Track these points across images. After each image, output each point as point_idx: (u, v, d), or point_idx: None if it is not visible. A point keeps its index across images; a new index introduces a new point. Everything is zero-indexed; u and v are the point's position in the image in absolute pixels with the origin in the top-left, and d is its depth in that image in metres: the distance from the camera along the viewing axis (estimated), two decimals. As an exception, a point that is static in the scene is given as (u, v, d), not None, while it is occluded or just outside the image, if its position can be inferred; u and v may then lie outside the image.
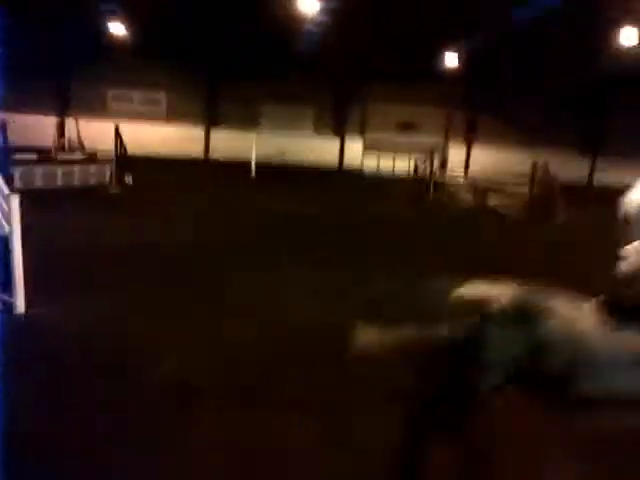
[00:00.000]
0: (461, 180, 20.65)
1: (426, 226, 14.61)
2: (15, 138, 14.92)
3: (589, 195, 25.91)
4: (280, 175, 23.60)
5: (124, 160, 16.30)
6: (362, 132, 31.20)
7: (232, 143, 28.16)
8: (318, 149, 30.25)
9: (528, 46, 23.64)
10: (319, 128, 31.22)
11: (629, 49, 22.73)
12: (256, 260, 9.24)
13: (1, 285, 5.70)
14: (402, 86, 29.61)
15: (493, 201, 17.29)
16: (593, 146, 31.62)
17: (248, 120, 29.36)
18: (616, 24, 18.07)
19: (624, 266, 3.36)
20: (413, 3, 19.70)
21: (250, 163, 23.46)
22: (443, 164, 20.44)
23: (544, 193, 16.00)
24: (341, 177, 27.46)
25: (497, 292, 3.11)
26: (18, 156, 13.59)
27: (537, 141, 30.32)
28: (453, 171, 25.03)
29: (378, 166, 29.98)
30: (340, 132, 30.98)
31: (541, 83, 29.02)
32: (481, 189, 18.04)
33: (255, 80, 28.58)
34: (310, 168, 27.63)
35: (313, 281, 8.05)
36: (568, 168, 28.60)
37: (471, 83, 30.12)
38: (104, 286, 7.10)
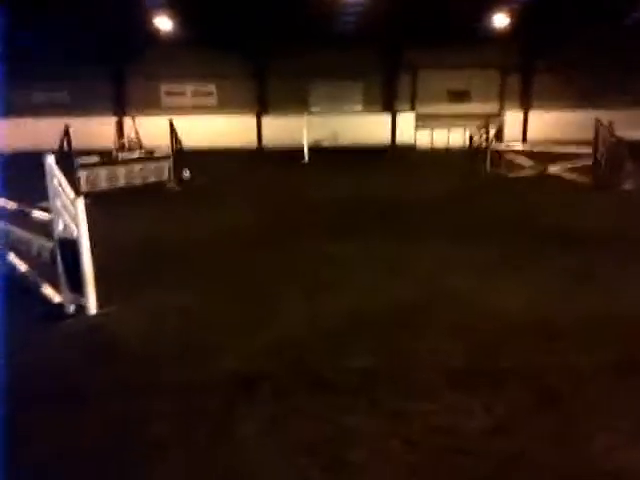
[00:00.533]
0: (520, 147, 19.85)
1: (483, 199, 14.28)
2: (78, 142, 15.59)
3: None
4: (333, 157, 23.58)
5: (180, 155, 16.71)
6: (413, 105, 30.52)
7: (284, 129, 28.24)
8: (369, 126, 29.89)
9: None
10: (369, 104, 30.80)
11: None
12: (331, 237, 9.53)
13: (72, 287, 6.01)
14: (451, 52, 28.71)
15: (555, 168, 16.57)
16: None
17: (298, 103, 29.38)
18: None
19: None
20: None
21: (303, 148, 23.50)
22: (499, 132, 19.67)
23: (610, 156, 15.17)
24: (395, 153, 27.09)
25: None
26: (82, 160, 14.18)
27: (600, 99, 28.82)
28: (511, 139, 24.14)
29: (432, 139, 29.39)
30: (390, 106, 30.44)
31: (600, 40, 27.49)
32: (542, 156, 17.32)
33: (301, 60, 28.46)
34: (363, 146, 27.42)
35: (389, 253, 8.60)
36: (637, 126, 27.16)
37: (526, 43, 28.93)
38: (177, 280, 7.40)
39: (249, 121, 30.83)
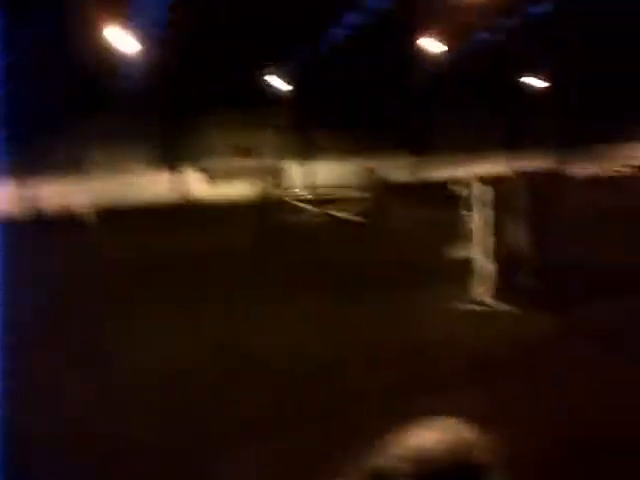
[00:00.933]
0: (304, 196, 21.07)
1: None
2: None
3: (418, 191, 28.03)
4: (117, 218, 22.20)
5: None
6: (198, 161, 30.53)
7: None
8: (154, 185, 28.95)
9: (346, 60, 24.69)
10: (153, 163, 29.99)
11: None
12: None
13: None
14: (235, 111, 29.58)
15: (334, 210, 17.87)
16: (420, 146, 34.16)
17: (77, 167, 27.36)
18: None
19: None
20: (234, 26, 19.54)
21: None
22: (285, 183, 20.68)
23: (374, 196, 16.91)
24: (183, 211, 26.51)
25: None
26: None
27: (369, 149, 32.20)
28: (295, 189, 25.48)
29: (220, 194, 29.61)
30: (176, 164, 30.02)
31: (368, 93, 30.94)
32: (322, 201, 18.57)
33: (78, 125, 26.64)
34: (148, 205, 26.34)
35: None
36: (399, 169, 30.90)
37: (302, 102, 31.14)
38: None
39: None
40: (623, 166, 30.47)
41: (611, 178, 27.22)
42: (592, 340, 6.57)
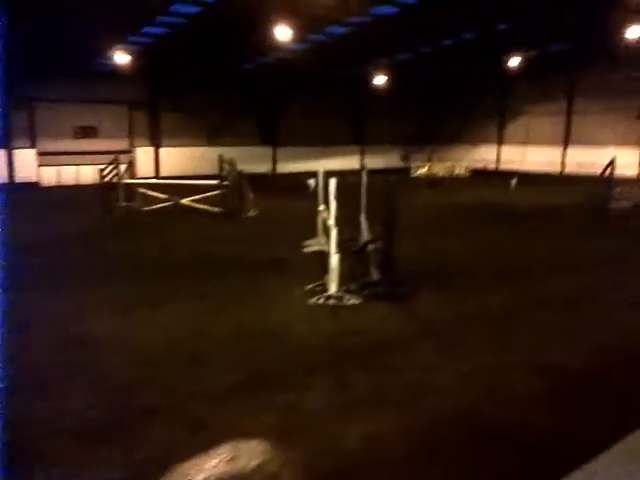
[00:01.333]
0: (153, 182, 19.94)
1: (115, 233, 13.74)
2: None
3: (275, 182, 28.24)
4: None
5: None
6: (34, 141, 27.61)
7: None
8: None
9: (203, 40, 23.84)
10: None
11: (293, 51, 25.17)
12: None
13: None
14: (76, 87, 27.28)
15: (188, 199, 17.08)
16: (272, 138, 34.29)
17: None
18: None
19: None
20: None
21: None
22: (131, 168, 19.32)
23: (233, 187, 16.49)
24: (15, 191, 23.87)
25: None
26: None
27: (224, 136, 31.67)
28: (144, 174, 24.09)
29: (59, 176, 27.13)
30: (8, 142, 26.83)
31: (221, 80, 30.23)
32: (174, 189, 17.67)
33: None
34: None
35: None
36: (255, 159, 30.78)
37: (152, 82, 29.54)
38: None
39: None
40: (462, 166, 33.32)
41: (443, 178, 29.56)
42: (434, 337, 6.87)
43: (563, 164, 32.91)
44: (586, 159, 29.83)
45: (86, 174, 26.72)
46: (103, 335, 6.57)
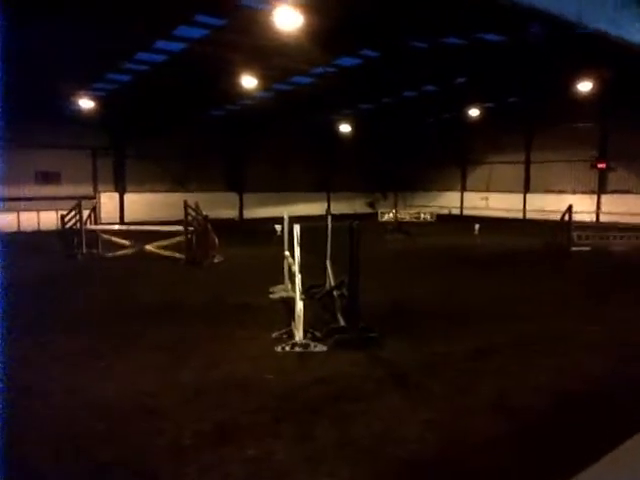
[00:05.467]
0: (117, 228, 19.67)
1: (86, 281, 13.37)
2: None
3: (241, 227, 28.16)
4: None
5: None
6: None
7: None
8: None
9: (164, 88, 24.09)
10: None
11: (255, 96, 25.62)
12: None
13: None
14: (39, 131, 27.04)
15: (152, 246, 16.82)
16: (239, 184, 34.46)
17: None
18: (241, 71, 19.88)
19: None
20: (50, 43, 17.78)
21: None
22: (94, 213, 19.00)
23: (198, 233, 16.32)
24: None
25: None
26: None
27: (189, 182, 31.69)
28: (108, 220, 23.74)
29: (19, 222, 26.49)
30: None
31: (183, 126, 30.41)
32: (138, 235, 17.42)
33: None
34: None
35: None
36: (221, 205, 30.77)
37: (116, 127, 29.52)
38: None
39: None
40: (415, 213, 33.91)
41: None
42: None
43: (524, 210, 33.88)
44: (546, 205, 30.81)
45: (48, 220, 26.18)
46: (54, 385, 6.28)
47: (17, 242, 22.01)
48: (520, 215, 33.77)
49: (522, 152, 34.02)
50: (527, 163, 34.05)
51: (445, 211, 36.55)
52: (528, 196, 33.92)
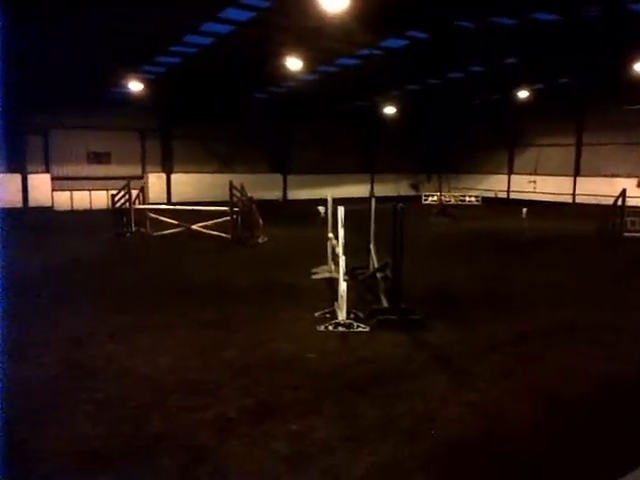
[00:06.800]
0: (164, 207, 20.15)
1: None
2: None
3: (285, 208, 28.40)
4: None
5: None
6: (48, 166, 28.03)
7: None
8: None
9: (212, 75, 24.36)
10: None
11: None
12: None
13: None
14: (91, 114, 27.93)
15: (198, 225, 17.18)
16: (283, 165, 34.63)
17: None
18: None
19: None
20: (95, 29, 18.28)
21: None
22: (142, 193, 19.51)
23: (244, 213, 16.58)
24: (30, 215, 24.18)
25: None
26: None
27: (235, 163, 32.07)
28: (155, 200, 24.36)
29: (72, 201, 27.44)
30: (19, 167, 27.24)
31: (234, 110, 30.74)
32: (185, 214, 17.82)
33: None
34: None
35: None
36: (265, 186, 31.03)
37: (165, 109, 30.08)
38: None
39: None
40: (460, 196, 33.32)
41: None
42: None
43: (574, 194, 32.82)
44: (597, 189, 29.75)
45: (99, 199, 27.05)
46: (105, 360, 6.56)
47: (70, 220, 22.86)
48: (569, 199, 32.73)
49: (572, 134, 32.84)
50: (578, 146, 32.88)
51: (491, 194, 35.76)
52: (578, 180, 32.81)
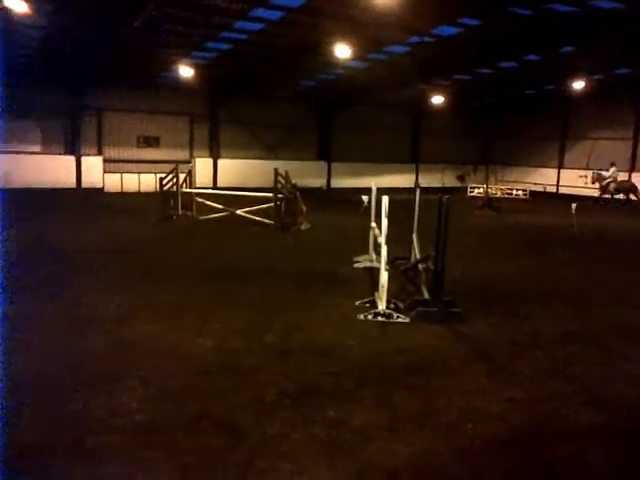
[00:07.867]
0: (211, 192, 20.48)
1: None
2: None
3: (328, 196, 28.41)
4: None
5: None
6: (100, 148, 28.90)
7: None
8: (49, 168, 26.94)
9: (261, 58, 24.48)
10: (48, 145, 27.93)
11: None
12: None
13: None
14: (141, 98, 28.67)
15: (243, 210, 17.42)
16: (328, 153, 34.58)
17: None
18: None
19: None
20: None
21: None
22: (190, 178, 19.88)
23: (287, 200, 16.70)
24: (83, 196, 25.02)
25: None
26: None
27: (280, 150, 32.27)
28: (201, 185, 24.74)
29: (122, 183, 28.20)
30: (73, 149, 28.13)
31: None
32: (230, 199, 18.07)
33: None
34: (42, 189, 24.59)
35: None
36: (310, 174, 31.08)
37: (213, 95, 30.50)
38: None
39: None
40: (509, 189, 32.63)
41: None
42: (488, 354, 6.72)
43: (630, 190, 31.57)
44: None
45: (147, 182, 27.69)
46: (151, 338, 6.76)
47: (121, 201, 23.52)
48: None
49: (630, 128, 31.55)
50: (635, 140, 31.57)
51: (539, 188, 34.77)
52: (634, 175, 31.54)
